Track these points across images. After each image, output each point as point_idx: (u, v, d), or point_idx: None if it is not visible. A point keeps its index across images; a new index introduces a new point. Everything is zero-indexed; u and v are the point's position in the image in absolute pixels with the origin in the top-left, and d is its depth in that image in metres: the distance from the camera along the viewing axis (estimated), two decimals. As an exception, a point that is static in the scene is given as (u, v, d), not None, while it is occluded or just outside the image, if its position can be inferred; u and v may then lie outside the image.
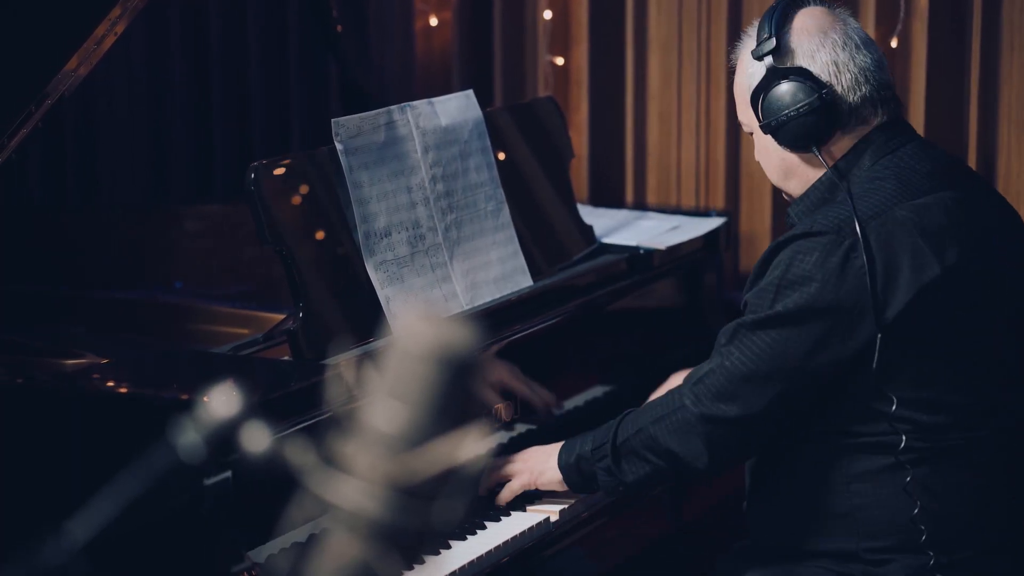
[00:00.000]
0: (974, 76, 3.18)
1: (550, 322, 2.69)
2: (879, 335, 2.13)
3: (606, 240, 3.01)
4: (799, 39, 2.28)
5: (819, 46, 2.27)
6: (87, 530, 1.26)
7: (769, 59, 2.28)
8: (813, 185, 2.30)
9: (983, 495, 2.24)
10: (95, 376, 2.26)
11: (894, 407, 2.15)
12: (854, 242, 2.14)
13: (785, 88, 2.26)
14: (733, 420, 2.20)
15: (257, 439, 1.16)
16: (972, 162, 3.21)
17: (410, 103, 2.59)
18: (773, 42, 2.27)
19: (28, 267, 3.05)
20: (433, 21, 3.84)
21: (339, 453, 1.10)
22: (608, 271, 2.89)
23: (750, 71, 2.32)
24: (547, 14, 3.69)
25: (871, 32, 3.28)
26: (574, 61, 3.72)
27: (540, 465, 2.42)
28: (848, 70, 2.26)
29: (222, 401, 1.21)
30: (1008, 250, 2.29)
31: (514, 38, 3.77)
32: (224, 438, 1.20)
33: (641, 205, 3.58)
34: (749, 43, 2.33)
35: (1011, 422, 2.26)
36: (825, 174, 2.28)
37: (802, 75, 2.25)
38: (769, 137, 2.31)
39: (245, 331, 2.64)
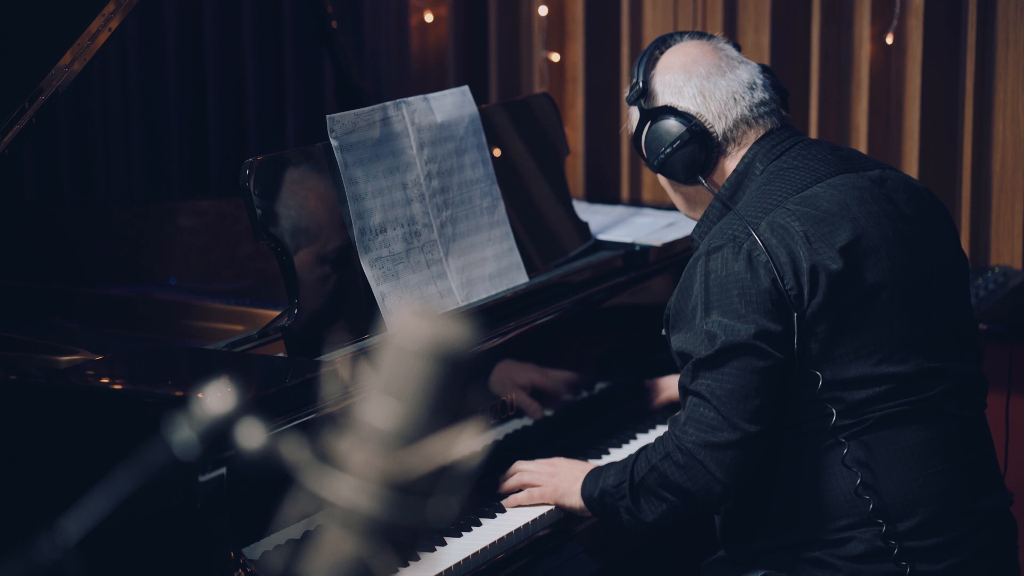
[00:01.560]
0: (969, 72, 3.18)
1: (545, 319, 2.68)
2: (795, 317, 2.18)
3: (602, 237, 3.01)
4: (663, 77, 2.40)
5: (684, 81, 2.37)
6: (81, 527, 1.26)
7: (641, 102, 2.41)
8: (710, 205, 2.39)
9: (925, 460, 2.24)
10: (89, 372, 2.26)
11: (819, 387, 2.19)
12: (751, 242, 2.20)
13: (657, 127, 2.38)
14: (731, 444, 2.21)
15: (252, 436, 1.16)
16: (967, 158, 3.22)
17: (405, 99, 2.58)
18: (640, 85, 2.40)
19: (22, 263, 3.04)
20: (428, 17, 3.83)
21: (334, 450, 1.10)
22: (604, 268, 2.89)
23: (632, 117, 2.46)
24: (542, 10, 3.69)
25: (866, 29, 3.28)
26: (569, 57, 3.72)
27: (564, 486, 2.43)
28: (715, 97, 2.36)
29: (217, 398, 1.20)
30: (915, 220, 2.31)
31: (510, 34, 3.76)
32: (219, 435, 1.20)
33: (637, 202, 3.58)
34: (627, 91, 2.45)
35: (947, 386, 2.27)
36: (715, 195, 2.36)
37: (669, 112, 2.37)
38: (661, 176, 2.43)
39: (240, 327, 2.64)
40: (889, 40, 3.26)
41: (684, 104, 2.37)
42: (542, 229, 2.86)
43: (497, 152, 2.79)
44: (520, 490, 2.47)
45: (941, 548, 2.23)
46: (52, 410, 2.18)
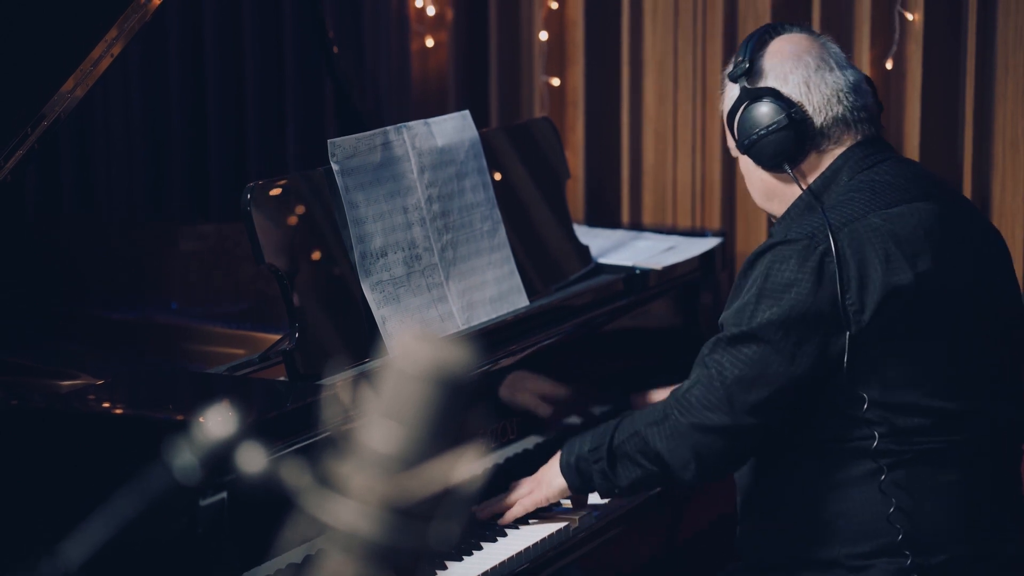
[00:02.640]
0: (969, 97, 3.19)
1: (546, 342, 2.68)
2: (848, 334, 2.16)
3: (602, 260, 3.01)
4: (772, 61, 2.35)
5: (792, 68, 2.34)
6: (83, 551, 1.26)
7: (743, 80, 2.36)
8: (794, 203, 2.35)
9: (966, 500, 2.24)
10: (90, 397, 2.26)
11: (865, 407, 2.18)
12: (827, 248, 2.18)
13: (756, 108, 2.33)
14: (720, 429, 2.23)
15: (252, 460, 1.16)
16: (967, 182, 3.22)
17: (406, 124, 2.59)
18: (746, 64, 2.35)
19: (23, 285, 3.05)
20: (429, 42, 3.84)
21: (335, 474, 1.10)
22: (604, 291, 2.89)
23: (728, 94, 2.40)
24: (543, 35, 3.70)
25: (865, 54, 3.29)
26: (570, 82, 3.73)
27: (547, 478, 2.44)
28: (820, 91, 2.33)
29: (217, 422, 1.20)
30: (987, 263, 2.32)
31: (510, 59, 3.77)
32: (219, 459, 1.20)
33: (637, 225, 3.58)
34: (731, 66, 2.41)
35: (989, 429, 2.27)
36: (801, 195, 2.33)
37: (772, 95, 2.33)
38: (747, 158, 2.38)
39: (241, 351, 2.64)
40: (888, 65, 3.27)
41: (788, 90, 2.33)
42: (543, 253, 2.86)
43: (498, 176, 2.80)
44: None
45: None
46: (53, 435, 2.18)
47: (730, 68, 2.39)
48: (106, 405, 2.24)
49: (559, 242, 2.91)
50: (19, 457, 2.20)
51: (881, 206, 2.25)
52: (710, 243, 3.17)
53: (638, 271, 2.97)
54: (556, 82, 3.73)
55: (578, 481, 2.40)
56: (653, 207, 3.64)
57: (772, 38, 2.38)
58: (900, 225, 2.23)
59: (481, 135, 2.72)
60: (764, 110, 2.33)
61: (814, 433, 2.24)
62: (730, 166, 3.54)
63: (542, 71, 3.73)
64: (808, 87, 2.33)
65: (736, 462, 2.32)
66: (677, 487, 2.36)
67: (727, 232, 3.43)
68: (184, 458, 1.21)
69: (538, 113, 3.70)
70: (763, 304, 2.21)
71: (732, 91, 2.39)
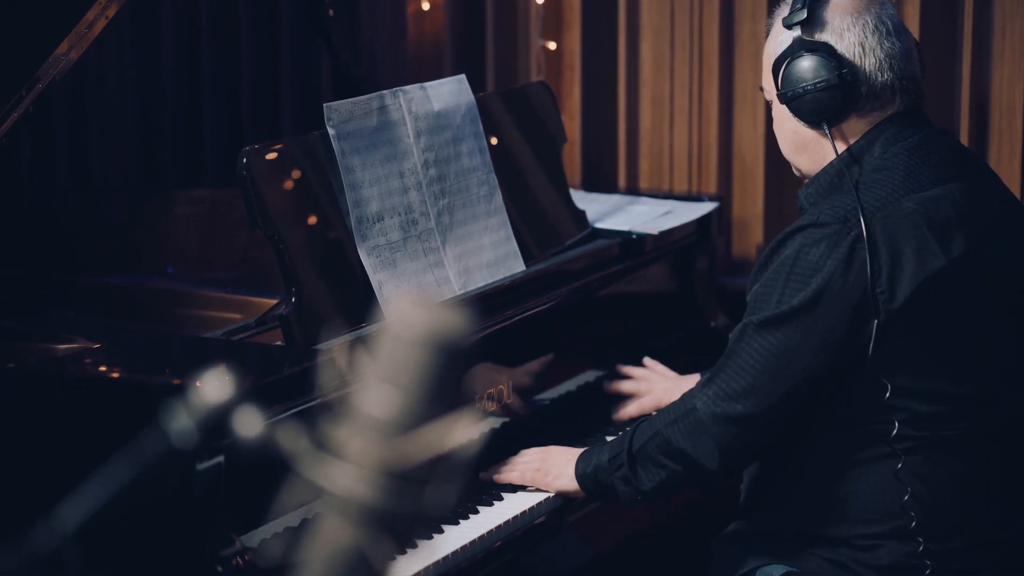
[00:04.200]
0: (966, 59, 3.18)
1: (543, 307, 2.68)
2: (875, 322, 2.13)
3: (598, 225, 3.01)
4: (831, 15, 2.27)
5: (850, 25, 2.26)
6: (78, 515, 1.26)
7: (798, 29, 2.27)
8: (824, 169, 2.30)
9: (976, 487, 2.23)
10: (87, 361, 2.26)
11: (888, 395, 2.15)
12: (859, 233, 2.14)
13: (807, 61, 2.25)
14: (744, 419, 2.20)
15: (249, 424, 1.16)
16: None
17: (402, 88, 2.58)
18: (804, 13, 2.26)
19: (19, 253, 3.04)
20: (425, 5, 3.83)
21: (332, 438, 1.10)
22: (600, 256, 2.89)
23: (779, 38, 2.31)
24: (539, -2, 3.69)
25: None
26: (567, 46, 3.71)
27: (556, 469, 2.43)
28: (874, 54, 2.25)
29: (214, 386, 1.20)
30: (1014, 244, 2.29)
31: (506, 23, 3.76)
32: (216, 423, 1.20)
33: (633, 190, 3.58)
34: (785, 10, 2.32)
35: (1010, 416, 2.26)
36: (836, 159, 2.28)
37: (826, 51, 2.25)
38: (785, 108, 2.31)
39: (237, 316, 2.63)
40: (886, 28, 3.25)
41: (842, 48, 2.25)
42: (539, 217, 2.86)
43: (494, 140, 2.79)
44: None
45: (972, 573, 2.22)
46: (49, 398, 2.18)
47: (785, 12, 2.31)
48: (102, 369, 2.24)
49: (555, 207, 2.91)
50: (15, 421, 2.20)
51: (915, 188, 2.20)
52: (706, 208, 3.16)
53: (634, 236, 2.97)
54: (553, 46, 3.72)
55: (595, 489, 2.39)
56: (650, 172, 3.63)
57: None
58: (933, 210, 2.18)
59: (477, 99, 2.71)
60: (815, 65, 2.25)
61: (830, 414, 2.22)
62: (727, 131, 3.53)
63: (539, 35, 3.71)
64: (863, 48, 2.25)
65: (759, 452, 2.30)
66: (702, 483, 2.34)
67: (723, 197, 3.43)
68: (181, 422, 1.21)
69: (535, 77, 3.69)
70: (790, 288, 2.17)
71: (783, 37, 2.30)
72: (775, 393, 2.18)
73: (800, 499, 2.27)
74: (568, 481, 2.41)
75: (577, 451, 2.45)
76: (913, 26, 3.24)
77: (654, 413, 2.36)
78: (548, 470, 2.44)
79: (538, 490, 2.46)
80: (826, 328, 2.16)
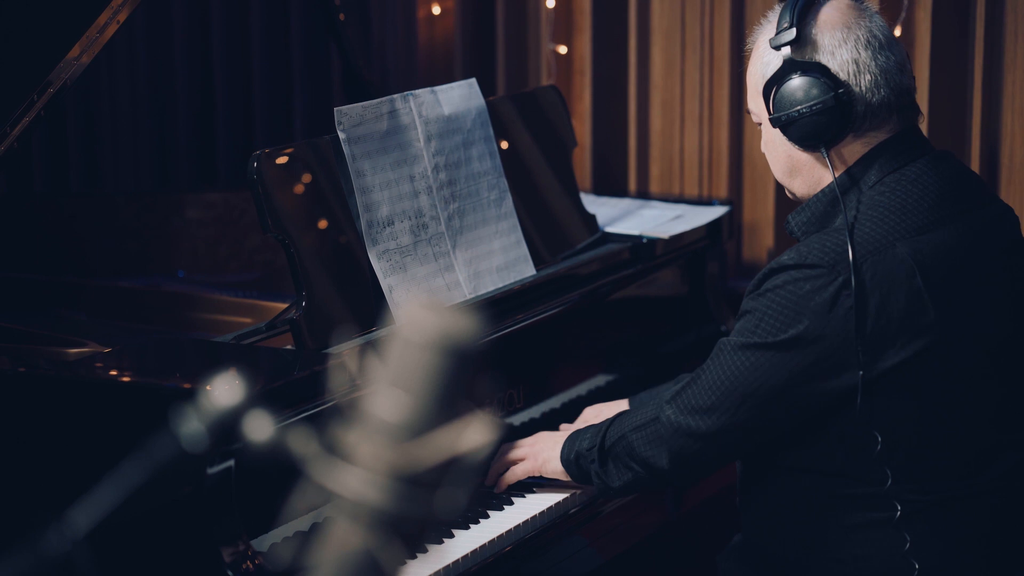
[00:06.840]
0: (978, 65, 3.18)
1: (553, 311, 2.68)
2: (860, 373, 2.08)
3: (609, 229, 3.01)
4: (821, 32, 2.17)
5: (841, 42, 2.16)
6: (90, 518, 1.26)
7: (787, 50, 2.17)
8: (816, 196, 2.22)
9: (990, 547, 2.17)
10: (98, 364, 2.26)
11: (879, 448, 2.10)
12: (847, 279, 2.07)
13: (800, 83, 2.15)
14: (702, 435, 2.18)
15: (260, 428, 1.16)
16: (975, 151, 3.21)
17: (413, 92, 2.58)
18: (793, 32, 2.15)
19: (31, 255, 3.05)
20: (436, 9, 3.83)
21: (342, 442, 1.10)
22: (611, 260, 2.89)
23: (766, 59, 2.21)
24: (550, 2, 3.69)
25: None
26: (577, 50, 3.71)
27: (545, 453, 2.43)
28: (869, 71, 2.15)
29: (225, 390, 1.21)
30: (1009, 287, 2.21)
31: (517, 27, 3.76)
32: (227, 427, 1.21)
33: (644, 194, 3.58)
34: (768, 30, 2.22)
35: (1012, 463, 2.18)
36: (830, 185, 2.19)
37: (820, 71, 2.15)
38: (777, 131, 2.21)
39: (248, 320, 2.64)
40: (897, 32, 3.25)
41: (836, 67, 2.14)
42: (549, 221, 2.86)
43: (504, 144, 2.79)
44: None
45: None
46: (61, 402, 2.19)
47: (768, 32, 2.21)
48: (113, 373, 2.24)
49: (566, 211, 2.91)
50: (26, 424, 2.20)
51: (911, 230, 2.12)
52: (717, 212, 3.16)
53: (645, 240, 2.96)
54: (563, 50, 3.72)
55: (579, 475, 2.39)
56: (660, 176, 3.63)
57: (820, 4, 2.19)
58: (930, 257, 2.10)
59: (488, 103, 2.72)
60: (809, 87, 2.14)
61: (828, 468, 2.15)
62: (737, 134, 3.53)
63: (549, 39, 3.71)
64: (858, 66, 2.15)
65: (710, 469, 2.29)
66: (664, 488, 2.34)
67: (734, 201, 3.43)
68: (191, 426, 1.21)
69: (545, 81, 3.69)
70: (767, 322, 2.11)
71: (770, 58, 2.20)
72: (737, 416, 2.15)
73: (801, 549, 2.22)
74: (556, 465, 2.42)
75: (563, 434, 2.44)
76: (924, 29, 3.23)
77: (630, 408, 2.35)
78: (537, 454, 2.44)
79: (547, 494, 2.46)
80: (798, 366, 2.10)
